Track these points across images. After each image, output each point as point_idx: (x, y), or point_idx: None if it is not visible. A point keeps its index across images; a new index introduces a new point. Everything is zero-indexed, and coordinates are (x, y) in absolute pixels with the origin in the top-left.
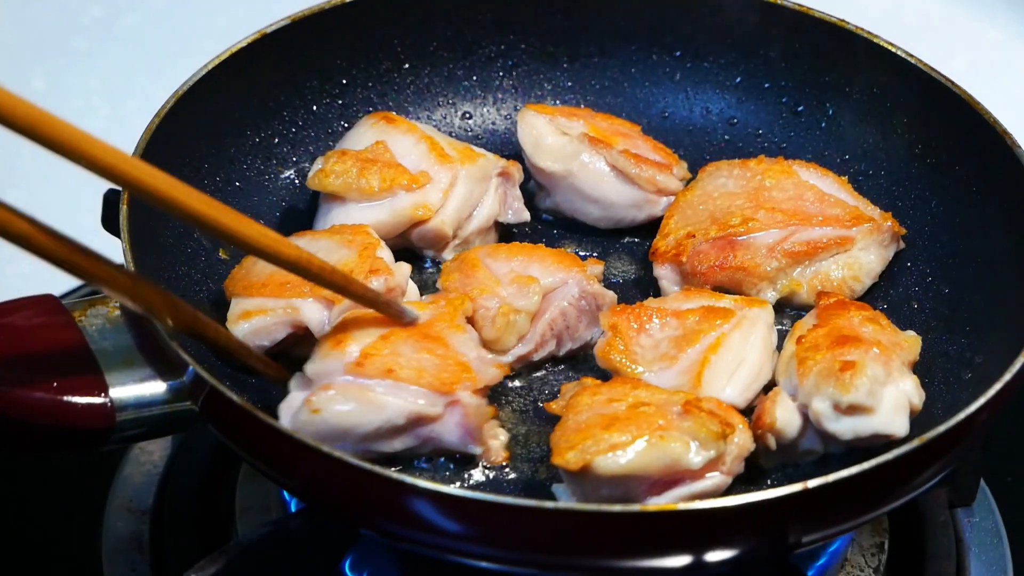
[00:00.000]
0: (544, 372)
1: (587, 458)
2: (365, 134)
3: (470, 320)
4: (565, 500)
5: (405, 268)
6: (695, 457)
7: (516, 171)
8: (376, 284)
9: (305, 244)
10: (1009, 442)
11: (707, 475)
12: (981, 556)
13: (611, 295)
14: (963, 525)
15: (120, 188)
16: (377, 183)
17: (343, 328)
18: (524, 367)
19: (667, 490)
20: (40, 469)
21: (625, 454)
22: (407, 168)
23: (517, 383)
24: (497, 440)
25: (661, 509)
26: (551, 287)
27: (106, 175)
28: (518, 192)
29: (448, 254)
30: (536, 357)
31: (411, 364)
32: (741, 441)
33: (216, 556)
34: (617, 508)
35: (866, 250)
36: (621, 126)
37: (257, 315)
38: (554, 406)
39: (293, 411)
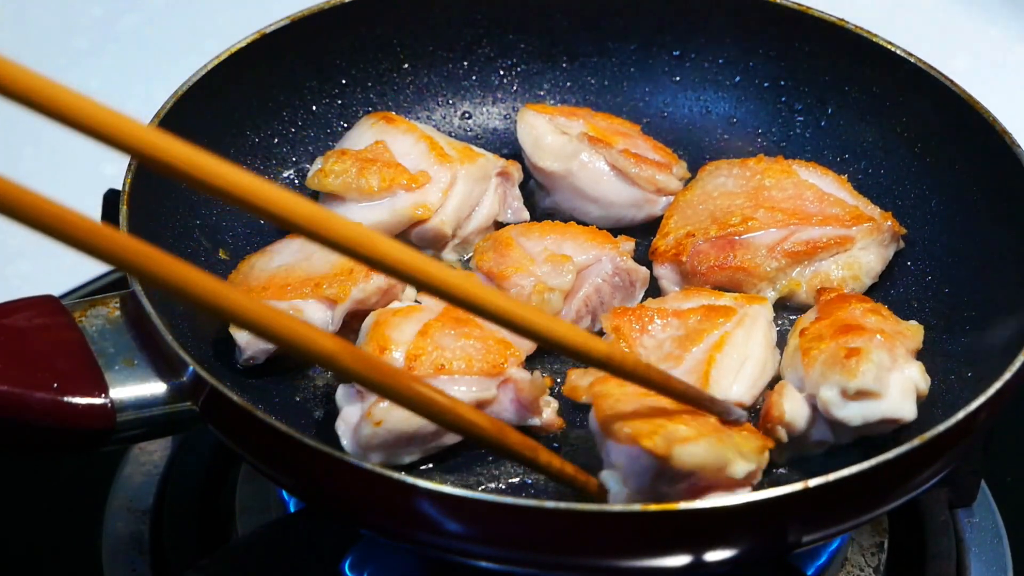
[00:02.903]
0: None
1: (671, 444)
2: (365, 134)
3: None
4: (614, 487)
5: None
6: (740, 468)
7: (516, 171)
8: (376, 282)
9: (300, 246)
10: (1009, 442)
11: (739, 487)
12: (981, 556)
13: (644, 271)
14: (963, 525)
15: (134, 158)
16: (376, 183)
17: (377, 333)
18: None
19: (702, 495)
20: (40, 469)
21: (698, 447)
22: (407, 168)
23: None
24: (549, 408)
25: (661, 509)
26: (584, 264)
27: (119, 146)
28: (517, 192)
29: (448, 254)
30: None
31: (457, 355)
32: (768, 456)
33: (216, 556)
34: (617, 508)
35: (866, 250)
36: (621, 125)
37: None
38: (582, 396)
39: (352, 427)
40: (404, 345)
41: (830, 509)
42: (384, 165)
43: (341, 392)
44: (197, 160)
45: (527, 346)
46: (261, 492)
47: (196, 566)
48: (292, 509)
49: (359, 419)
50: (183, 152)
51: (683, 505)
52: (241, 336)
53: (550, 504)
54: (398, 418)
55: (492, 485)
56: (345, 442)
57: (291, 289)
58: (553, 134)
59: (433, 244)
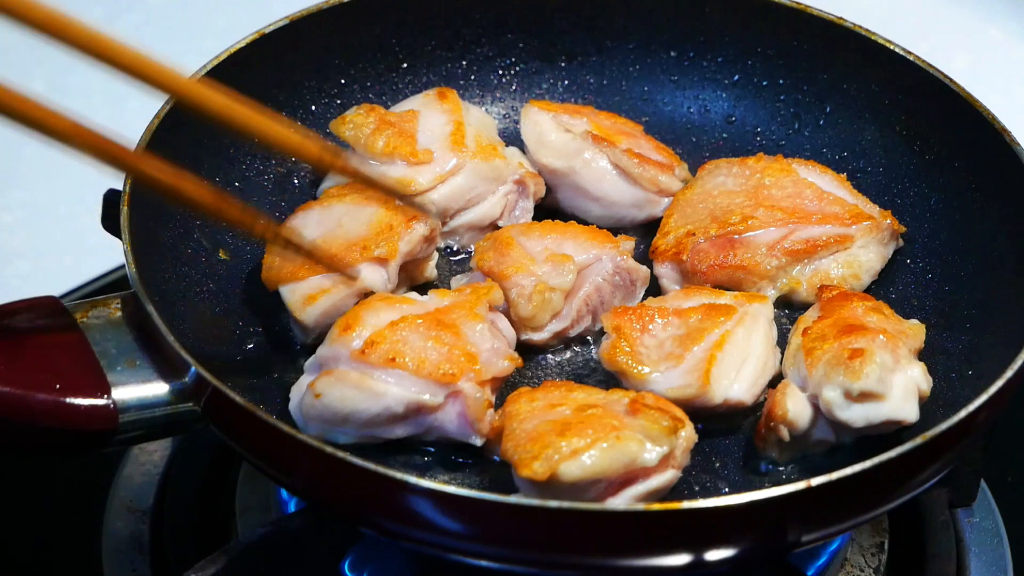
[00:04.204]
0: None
1: (553, 466)
2: (413, 102)
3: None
4: None
5: (431, 206)
6: (649, 454)
7: (533, 183)
8: (419, 230)
9: (319, 216)
10: (1009, 442)
11: (660, 471)
12: (981, 556)
13: (644, 270)
14: (963, 525)
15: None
16: (381, 146)
17: (356, 312)
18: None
19: (622, 490)
20: (40, 469)
21: (588, 457)
22: (418, 143)
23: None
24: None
25: (661, 508)
26: (585, 264)
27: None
28: (530, 205)
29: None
30: (572, 333)
31: (415, 353)
32: (688, 434)
33: (216, 556)
34: (619, 508)
35: (865, 248)
36: (624, 125)
37: (321, 295)
38: (495, 422)
39: (300, 394)
40: (371, 329)
41: (831, 508)
42: (397, 133)
43: (309, 362)
44: None
45: (497, 369)
46: (261, 492)
47: (196, 566)
48: (292, 509)
49: (305, 387)
50: None
51: (684, 504)
52: (305, 316)
53: (552, 504)
54: (335, 397)
55: (492, 485)
56: (292, 404)
57: (339, 257)
58: (556, 131)
59: None
